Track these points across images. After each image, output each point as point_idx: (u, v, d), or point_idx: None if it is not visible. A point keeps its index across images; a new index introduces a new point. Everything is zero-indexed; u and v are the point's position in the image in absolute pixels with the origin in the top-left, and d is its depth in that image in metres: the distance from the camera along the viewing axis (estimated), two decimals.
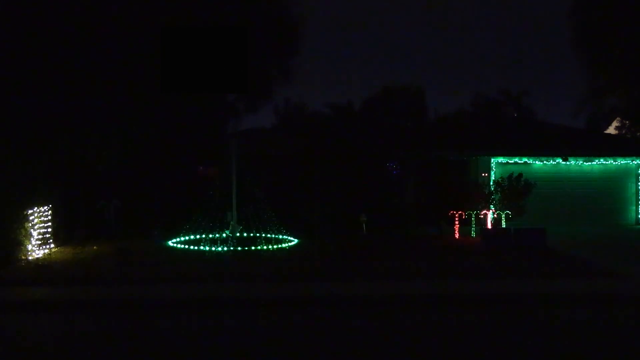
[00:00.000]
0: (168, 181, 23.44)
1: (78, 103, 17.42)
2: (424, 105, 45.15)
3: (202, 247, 18.01)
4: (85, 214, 21.55)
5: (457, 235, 21.04)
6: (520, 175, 22.35)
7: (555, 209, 24.71)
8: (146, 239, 20.40)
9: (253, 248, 18.05)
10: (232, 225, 19.26)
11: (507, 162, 24.98)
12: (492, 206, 22.22)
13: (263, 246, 18.10)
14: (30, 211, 17.11)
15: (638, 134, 32.64)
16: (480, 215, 21.93)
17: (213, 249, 17.90)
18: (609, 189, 25.57)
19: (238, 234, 19.23)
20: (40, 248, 17.68)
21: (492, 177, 24.32)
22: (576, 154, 25.28)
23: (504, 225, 21.48)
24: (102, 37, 17.56)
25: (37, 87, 16.85)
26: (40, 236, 17.78)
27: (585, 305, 11.85)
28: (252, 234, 19.39)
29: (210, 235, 18.78)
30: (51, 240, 18.51)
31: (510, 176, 22.40)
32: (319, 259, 16.38)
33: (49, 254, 17.61)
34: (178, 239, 19.42)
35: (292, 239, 19.59)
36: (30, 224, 17.02)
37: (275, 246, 18.38)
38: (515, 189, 22.12)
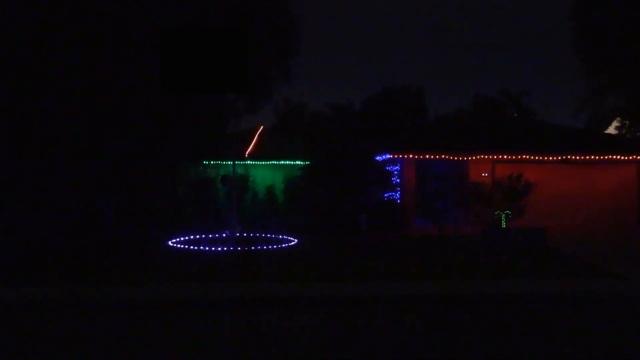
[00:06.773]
0: (168, 181, 23.43)
1: (78, 103, 17.42)
2: (424, 105, 45.22)
3: (201, 247, 18.00)
4: (84, 214, 21.51)
5: (457, 235, 21.03)
6: (520, 175, 22.32)
7: (557, 208, 24.68)
8: (145, 238, 20.36)
9: (253, 248, 18.05)
10: (232, 225, 19.26)
11: (507, 162, 24.95)
12: (492, 206, 22.18)
13: (263, 246, 18.09)
14: None
15: (638, 134, 32.65)
16: (481, 215, 21.91)
17: (213, 249, 17.89)
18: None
19: (238, 234, 19.22)
20: None
21: (492, 177, 24.29)
22: (576, 154, 25.25)
23: (504, 225, 21.45)
24: (102, 37, 17.57)
25: (36, 88, 16.85)
26: None
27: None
28: (252, 234, 19.38)
29: (210, 235, 18.76)
30: None
31: (510, 176, 22.37)
32: (319, 259, 16.36)
33: None
34: (177, 239, 19.41)
35: (292, 239, 19.58)
36: None
37: (275, 246, 18.37)
38: (515, 189, 22.09)
